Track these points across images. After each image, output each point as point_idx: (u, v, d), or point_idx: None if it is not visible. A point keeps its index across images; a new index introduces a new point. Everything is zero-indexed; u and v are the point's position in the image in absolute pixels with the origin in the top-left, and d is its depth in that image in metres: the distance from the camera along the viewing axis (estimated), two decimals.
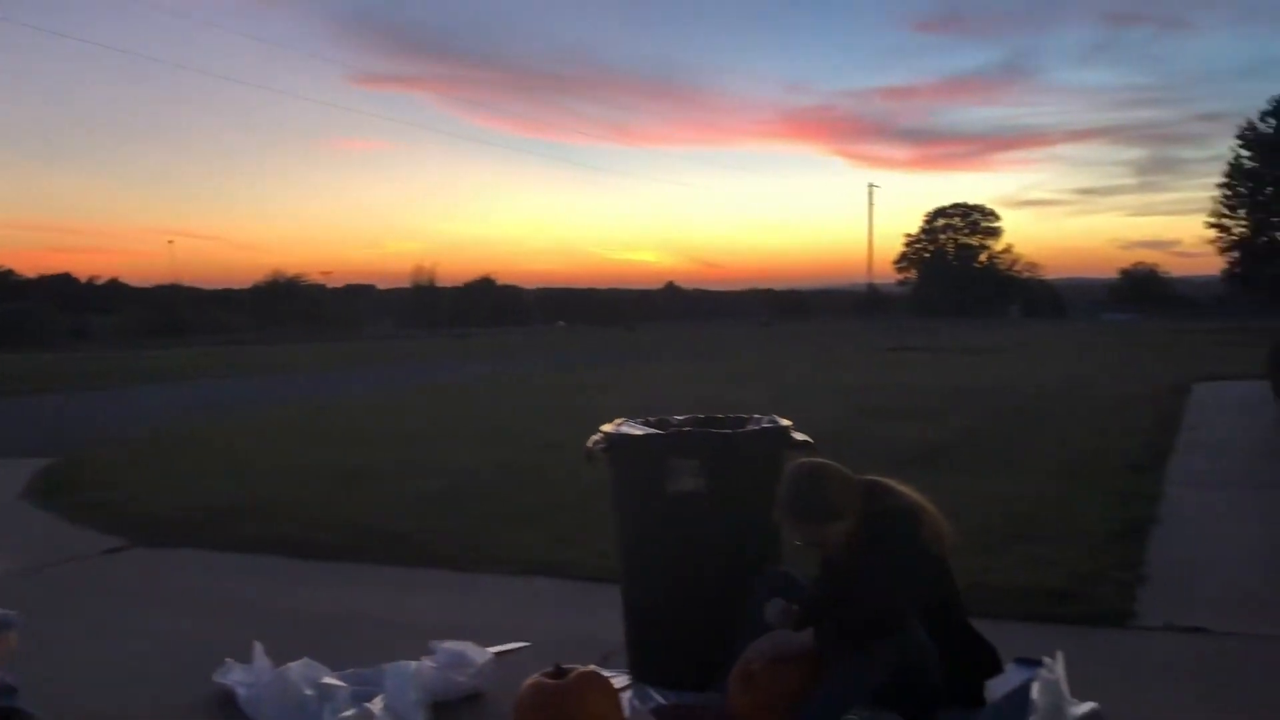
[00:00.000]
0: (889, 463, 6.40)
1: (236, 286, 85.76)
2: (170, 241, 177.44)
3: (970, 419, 11.42)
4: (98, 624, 4.63)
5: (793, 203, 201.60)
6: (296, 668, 3.46)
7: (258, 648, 3.59)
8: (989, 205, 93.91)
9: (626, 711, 3.27)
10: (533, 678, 3.05)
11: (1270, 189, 58.97)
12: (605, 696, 3.06)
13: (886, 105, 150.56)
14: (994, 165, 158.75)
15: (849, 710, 2.88)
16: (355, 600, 4.90)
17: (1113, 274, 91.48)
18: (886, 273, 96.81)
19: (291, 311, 72.34)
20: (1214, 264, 64.11)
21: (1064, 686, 3.13)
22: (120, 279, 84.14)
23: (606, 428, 3.77)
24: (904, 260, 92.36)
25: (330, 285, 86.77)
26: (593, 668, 3.26)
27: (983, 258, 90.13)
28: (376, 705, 3.28)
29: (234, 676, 3.61)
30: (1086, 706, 3.19)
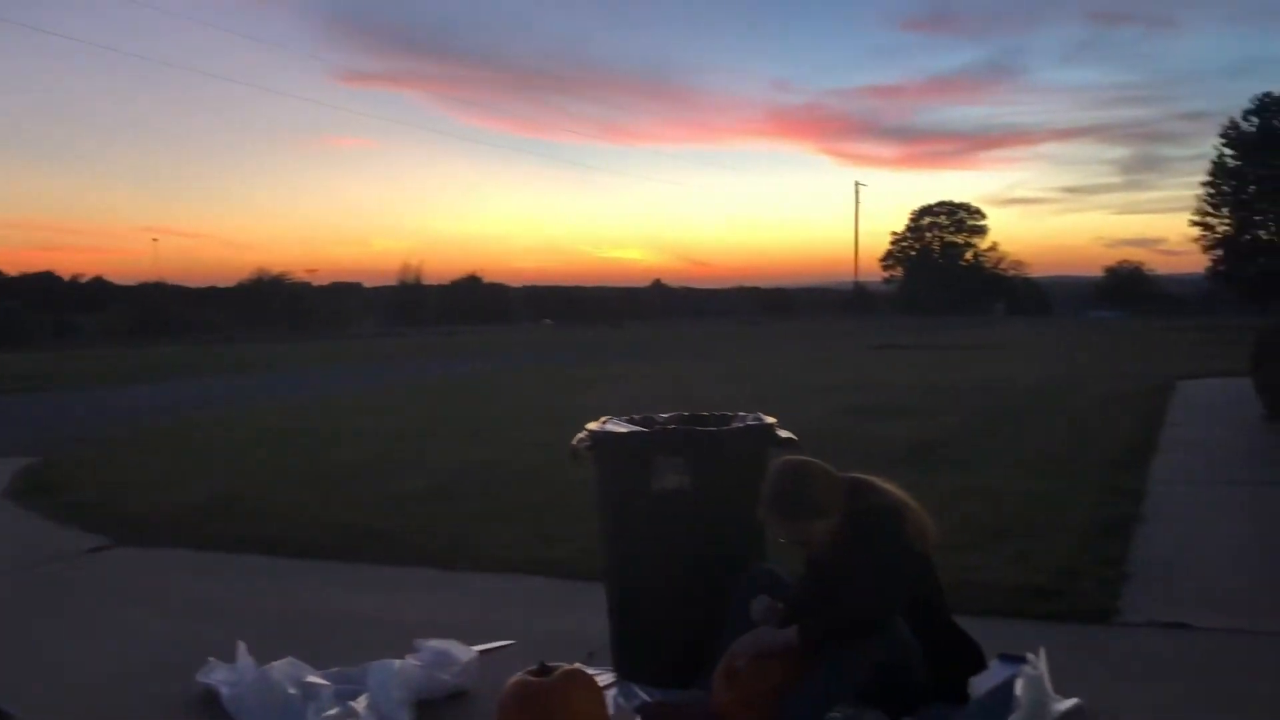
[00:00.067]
0: (875, 461, 6.40)
1: (221, 284, 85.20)
2: (155, 239, 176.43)
3: (955, 416, 11.45)
4: (80, 624, 4.61)
5: (780, 201, 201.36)
6: (280, 667, 3.45)
7: (241, 647, 3.57)
8: (975, 203, 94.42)
9: (611, 709, 3.27)
10: (517, 676, 3.04)
11: (1253, 187, 59.36)
12: (589, 694, 3.06)
13: (873, 104, 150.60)
14: (980, 163, 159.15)
15: (833, 707, 2.89)
16: (339, 599, 4.89)
17: (1098, 272, 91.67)
18: (873, 271, 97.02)
19: (277, 309, 72.05)
20: (1198, 262, 64.50)
21: (1047, 683, 3.15)
22: (104, 277, 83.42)
23: (591, 426, 3.77)
24: (890, 258, 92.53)
25: (316, 283, 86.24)
26: (577, 665, 3.25)
27: (968, 256, 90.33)
28: (360, 704, 3.28)
29: (217, 676, 3.60)
30: (1070, 702, 3.21)
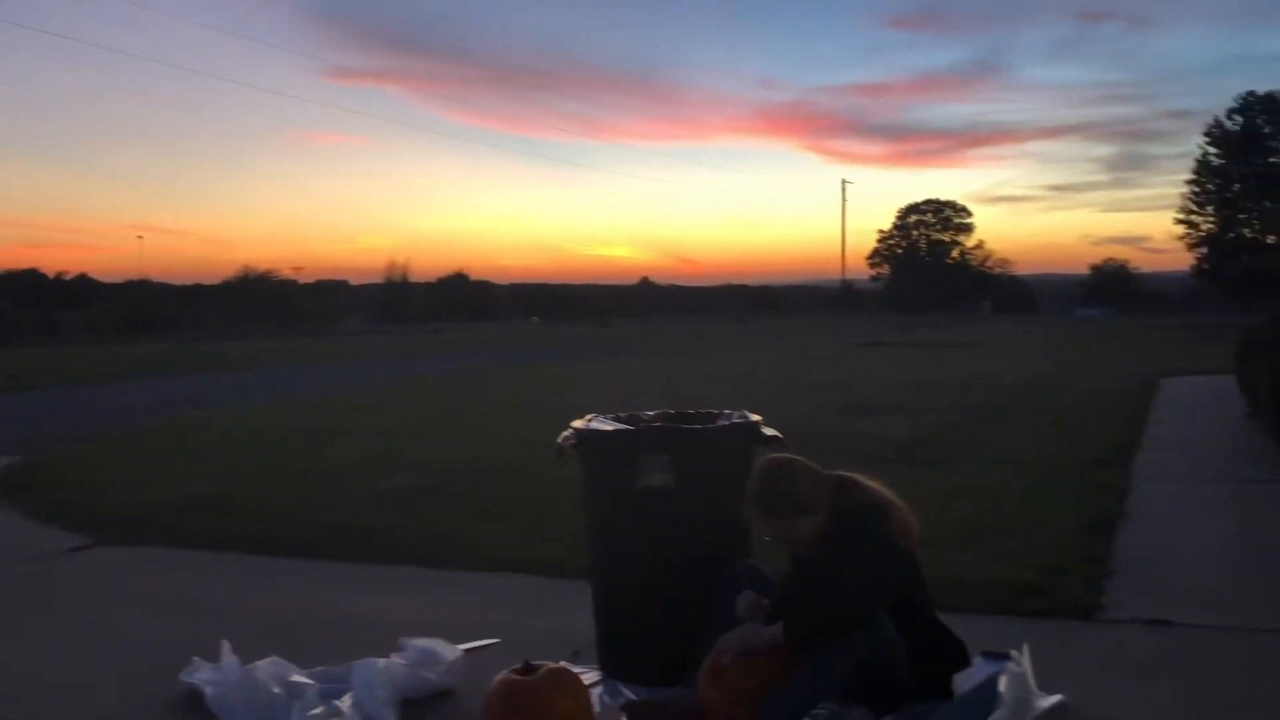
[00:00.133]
0: (861, 458, 6.42)
1: (207, 282, 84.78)
2: (140, 236, 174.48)
3: (942, 414, 11.48)
4: (62, 623, 4.58)
5: (767, 199, 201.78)
6: (264, 666, 3.44)
7: (225, 646, 3.55)
8: (961, 201, 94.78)
9: (596, 707, 3.27)
10: (502, 674, 3.04)
11: (1237, 185, 59.68)
12: (574, 692, 3.05)
13: (860, 101, 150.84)
14: (966, 161, 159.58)
15: (818, 704, 2.89)
16: (324, 597, 4.87)
17: (1084, 270, 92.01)
18: (860, 269, 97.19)
19: (263, 307, 71.74)
20: (1183, 260, 64.83)
21: (1031, 679, 3.16)
22: (89, 274, 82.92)
23: (577, 423, 3.77)
24: (877, 256, 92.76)
25: (302, 281, 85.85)
26: (562, 664, 3.26)
27: (955, 254, 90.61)
28: (345, 703, 3.27)
29: (201, 675, 3.58)
30: (1053, 699, 3.22)
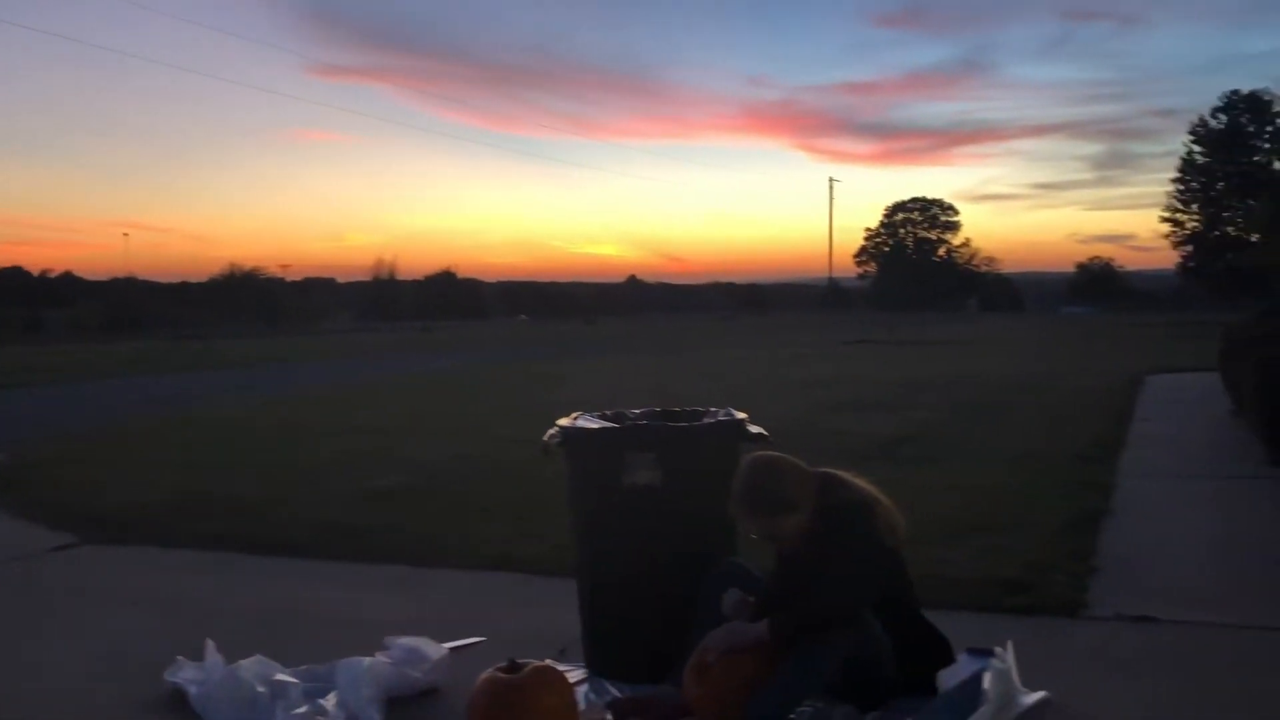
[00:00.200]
0: (847, 456, 6.44)
1: (193, 280, 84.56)
2: (125, 234, 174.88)
3: (928, 412, 11.51)
4: (45, 622, 4.55)
5: (755, 197, 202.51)
6: (249, 665, 3.42)
7: (210, 645, 3.53)
8: (948, 199, 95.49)
9: (582, 705, 3.27)
10: (487, 672, 3.03)
11: (1222, 184, 59.99)
12: (559, 690, 3.05)
13: (848, 100, 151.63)
14: (953, 160, 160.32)
15: (803, 701, 2.90)
16: (309, 596, 4.85)
17: (1070, 268, 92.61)
18: (847, 267, 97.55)
19: (250, 305, 71.48)
20: (1169, 258, 65.32)
21: (1015, 676, 3.17)
22: (74, 272, 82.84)
23: (563, 421, 3.77)
24: (864, 254, 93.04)
25: (289, 278, 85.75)
26: (547, 662, 3.25)
27: (941, 252, 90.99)
28: (330, 702, 3.26)
29: (185, 674, 3.56)
30: (1037, 696, 3.23)
